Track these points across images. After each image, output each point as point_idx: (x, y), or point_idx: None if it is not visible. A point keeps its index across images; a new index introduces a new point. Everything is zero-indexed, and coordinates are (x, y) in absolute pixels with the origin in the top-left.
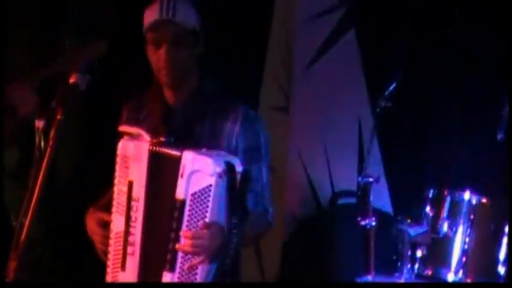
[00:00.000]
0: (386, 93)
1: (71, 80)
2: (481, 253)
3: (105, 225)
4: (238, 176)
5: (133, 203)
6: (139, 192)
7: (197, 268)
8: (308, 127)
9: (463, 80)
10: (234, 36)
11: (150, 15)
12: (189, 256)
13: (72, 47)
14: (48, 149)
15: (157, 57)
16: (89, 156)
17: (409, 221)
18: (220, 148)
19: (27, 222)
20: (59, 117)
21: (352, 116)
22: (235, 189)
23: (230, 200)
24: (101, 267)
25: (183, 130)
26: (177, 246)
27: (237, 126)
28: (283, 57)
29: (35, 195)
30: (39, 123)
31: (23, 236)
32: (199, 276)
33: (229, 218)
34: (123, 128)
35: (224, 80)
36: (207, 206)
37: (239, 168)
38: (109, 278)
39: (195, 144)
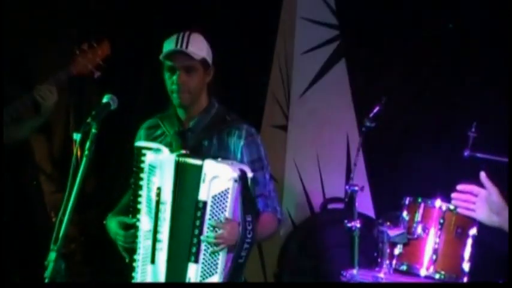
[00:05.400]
0: (371, 115)
1: (104, 100)
2: (449, 252)
3: (126, 227)
4: (249, 181)
5: (161, 206)
6: (167, 196)
7: (218, 259)
8: (304, 143)
9: (438, 104)
10: (240, 64)
11: (168, 46)
12: (211, 249)
13: (81, 50)
14: (85, 158)
15: (172, 82)
16: (107, 171)
17: (388, 224)
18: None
19: (65, 220)
20: (93, 130)
21: (341, 134)
22: (248, 191)
23: (244, 201)
24: (122, 260)
25: (194, 144)
26: (201, 237)
27: (242, 141)
28: (284, 83)
29: (73, 196)
30: (77, 137)
31: (61, 232)
32: (219, 266)
33: (244, 216)
34: (142, 143)
35: (233, 102)
36: (226, 206)
37: (250, 174)
38: (139, 270)
39: (206, 156)
